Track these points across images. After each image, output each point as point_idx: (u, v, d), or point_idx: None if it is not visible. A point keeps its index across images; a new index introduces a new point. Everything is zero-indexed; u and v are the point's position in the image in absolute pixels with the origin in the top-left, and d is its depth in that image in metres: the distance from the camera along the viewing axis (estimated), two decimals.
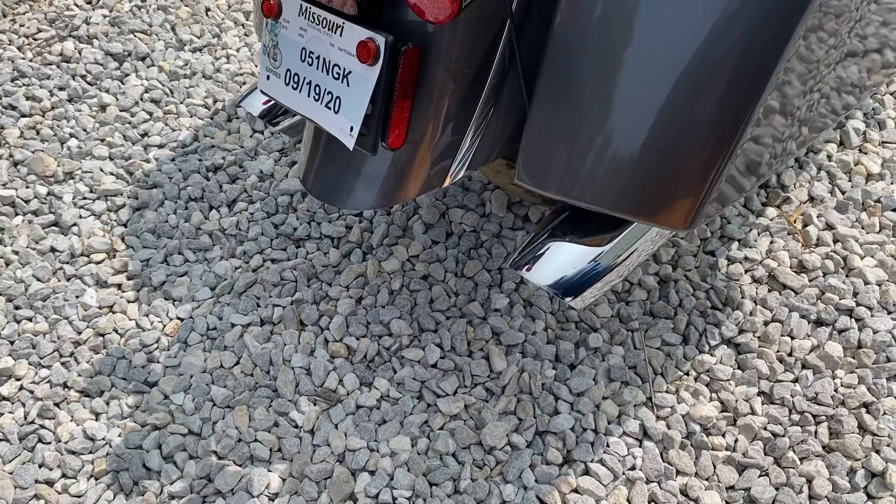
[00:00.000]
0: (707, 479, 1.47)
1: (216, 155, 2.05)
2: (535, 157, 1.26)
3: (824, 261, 1.73)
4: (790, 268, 1.74)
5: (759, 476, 1.47)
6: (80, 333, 1.71)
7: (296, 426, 1.55)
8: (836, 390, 1.56)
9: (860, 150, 1.97)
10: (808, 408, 1.53)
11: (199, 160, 2.04)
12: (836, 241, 1.78)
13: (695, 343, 1.64)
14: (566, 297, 1.30)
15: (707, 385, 1.59)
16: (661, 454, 1.50)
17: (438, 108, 1.20)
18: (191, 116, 2.17)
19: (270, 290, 1.76)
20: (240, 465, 1.50)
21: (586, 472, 1.48)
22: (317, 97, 1.22)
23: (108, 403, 1.60)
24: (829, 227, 1.81)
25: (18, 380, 1.63)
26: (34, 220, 1.91)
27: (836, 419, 1.51)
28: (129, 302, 1.76)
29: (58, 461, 1.52)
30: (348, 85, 1.18)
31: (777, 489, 1.45)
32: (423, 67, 1.15)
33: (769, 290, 1.71)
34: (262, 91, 1.33)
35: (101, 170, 2.02)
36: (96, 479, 1.50)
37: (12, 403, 1.60)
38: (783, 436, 1.50)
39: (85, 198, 1.96)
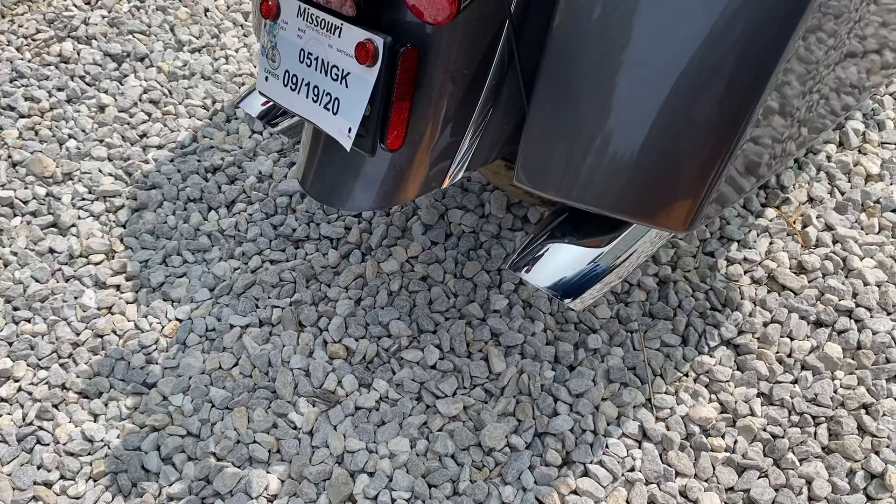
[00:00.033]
0: (706, 481, 1.47)
1: (215, 156, 2.05)
2: (534, 158, 1.25)
3: (823, 262, 1.73)
4: (789, 269, 1.74)
5: (759, 477, 1.46)
6: (78, 335, 1.70)
7: (295, 427, 1.55)
8: (835, 391, 1.55)
9: (859, 151, 1.97)
10: (807, 409, 1.53)
11: (198, 161, 2.04)
12: (835, 242, 1.78)
13: (694, 344, 1.63)
14: (565, 298, 1.30)
15: (706, 386, 1.59)
16: (661, 455, 1.50)
17: (437, 109, 1.20)
18: (189, 117, 2.16)
19: (269, 291, 1.76)
20: (238, 467, 1.50)
21: (585, 473, 1.48)
22: (315, 98, 1.22)
23: (106, 405, 1.60)
24: (829, 227, 1.81)
25: (17, 381, 1.63)
26: (33, 221, 1.91)
27: (835, 420, 1.51)
28: (127, 303, 1.76)
29: (56, 463, 1.51)
30: (347, 86, 1.17)
31: (776, 490, 1.45)
32: (421, 68, 1.15)
33: (768, 291, 1.71)
34: (260, 92, 1.33)
35: (100, 171, 2.02)
36: (95, 481, 1.50)
37: (10, 405, 1.60)
38: (782, 437, 1.50)
39: (84, 199, 1.96)
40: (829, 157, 1.95)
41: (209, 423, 1.55)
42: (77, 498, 1.48)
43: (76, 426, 1.56)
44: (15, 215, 1.93)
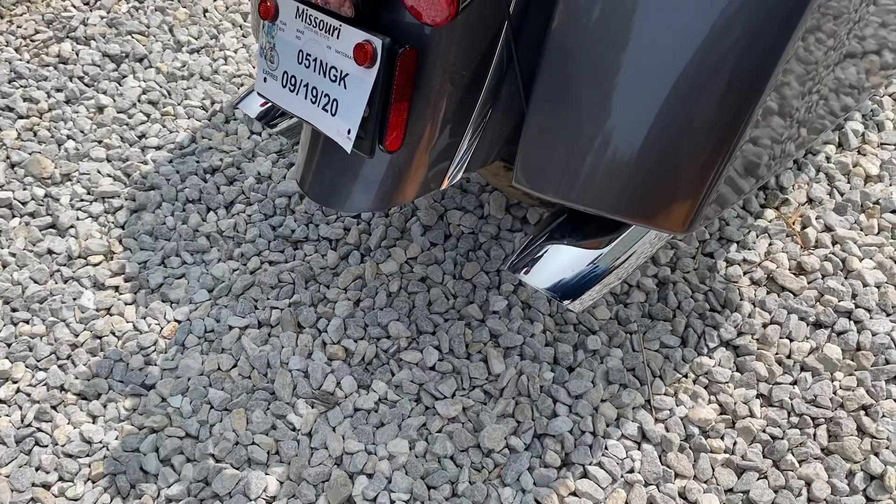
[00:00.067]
0: (706, 482, 1.47)
1: (214, 157, 2.05)
2: (533, 159, 1.25)
3: (823, 263, 1.73)
4: (789, 270, 1.74)
5: (758, 479, 1.46)
6: (77, 336, 1.70)
7: (293, 429, 1.55)
8: (834, 392, 1.55)
9: (859, 152, 1.97)
10: (806, 410, 1.53)
11: (197, 162, 2.04)
12: (834, 243, 1.78)
13: (693, 345, 1.63)
14: (564, 300, 1.30)
15: (706, 387, 1.58)
16: (660, 457, 1.50)
17: (436, 110, 1.19)
18: (188, 118, 2.16)
19: (268, 293, 1.76)
20: (237, 469, 1.49)
21: (585, 474, 1.48)
22: (314, 100, 1.22)
23: (105, 406, 1.59)
24: (828, 228, 1.81)
25: (15, 382, 1.63)
26: (31, 222, 1.91)
27: (834, 421, 1.51)
28: (126, 304, 1.76)
29: (55, 464, 1.51)
30: (345, 87, 1.17)
31: (776, 492, 1.44)
32: (420, 70, 1.15)
33: (768, 292, 1.71)
34: (259, 93, 1.33)
35: (99, 171, 2.01)
36: (93, 483, 1.50)
37: (9, 406, 1.60)
38: (782, 438, 1.50)
39: (82, 200, 1.96)
40: (828, 158, 1.95)
41: (208, 425, 1.55)
42: (76, 500, 1.47)
43: (75, 428, 1.56)
44: (13, 216, 1.93)
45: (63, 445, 1.53)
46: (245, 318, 1.71)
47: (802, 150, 1.46)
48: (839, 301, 1.66)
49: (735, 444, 1.50)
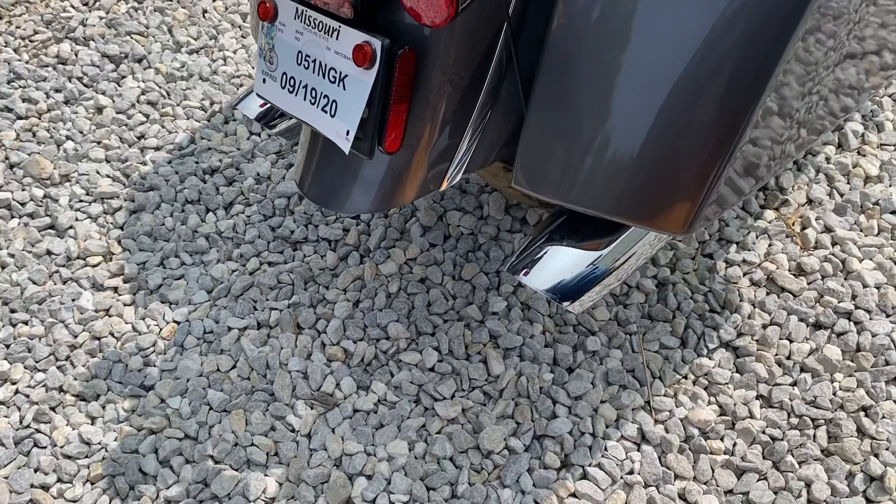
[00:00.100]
0: (705, 484, 1.47)
1: (213, 157, 2.05)
2: (533, 160, 1.25)
3: (823, 264, 1.73)
4: (788, 270, 1.73)
5: (758, 480, 1.46)
6: (76, 337, 1.70)
7: (293, 430, 1.55)
8: (834, 394, 1.55)
9: (858, 153, 1.96)
10: (806, 411, 1.52)
11: (196, 163, 2.04)
12: (834, 244, 1.78)
13: (693, 346, 1.63)
14: (564, 301, 1.30)
15: (705, 388, 1.58)
16: (660, 458, 1.49)
17: (435, 111, 1.19)
18: (187, 119, 2.16)
19: (267, 294, 1.75)
20: (236, 470, 1.49)
21: (584, 476, 1.47)
22: (313, 101, 1.22)
23: (104, 407, 1.59)
24: (828, 229, 1.81)
25: (14, 383, 1.63)
26: (30, 223, 1.91)
27: (834, 423, 1.51)
28: (125, 305, 1.76)
29: (53, 466, 1.51)
30: (344, 88, 1.17)
31: (776, 493, 1.44)
32: (419, 71, 1.15)
33: (767, 293, 1.71)
34: (258, 94, 1.32)
35: (98, 172, 2.01)
36: (92, 484, 1.49)
37: (7, 407, 1.59)
38: (782, 439, 1.50)
39: (81, 200, 1.96)
40: (828, 159, 1.94)
41: (207, 426, 1.55)
42: (74, 501, 1.47)
43: (73, 429, 1.56)
44: (12, 217, 1.92)
45: (62, 447, 1.53)
46: (244, 319, 1.71)
47: (802, 151, 1.46)
48: (839, 302, 1.66)
49: (735, 445, 1.50)
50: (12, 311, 1.74)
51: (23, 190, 1.97)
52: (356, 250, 1.82)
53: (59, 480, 1.50)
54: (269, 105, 1.62)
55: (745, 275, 1.74)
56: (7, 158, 2.04)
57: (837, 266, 1.72)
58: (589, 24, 1.16)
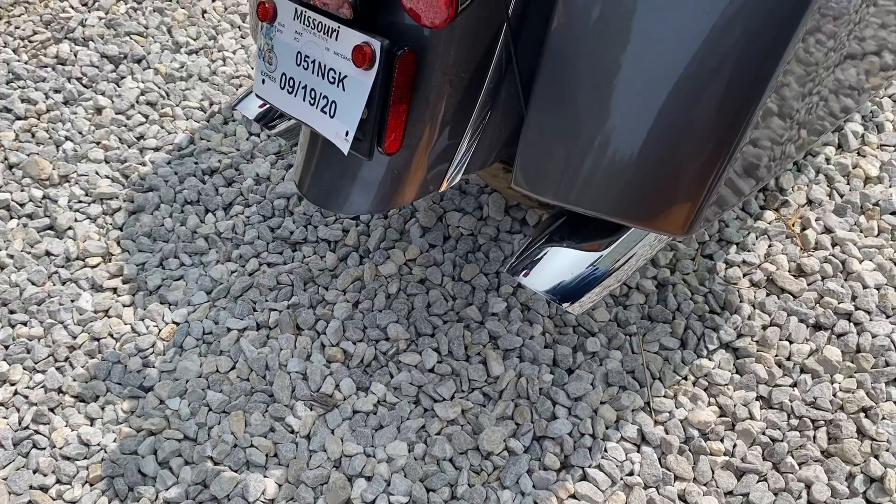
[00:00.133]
0: (705, 485, 1.46)
1: (212, 158, 2.04)
2: (533, 161, 1.25)
3: (823, 264, 1.73)
4: (788, 271, 1.73)
5: (758, 481, 1.46)
6: (75, 338, 1.70)
7: (292, 431, 1.54)
8: (834, 395, 1.55)
9: (858, 153, 1.96)
10: (806, 412, 1.52)
11: (195, 163, 2.03)
12: (834, 245, 1.78)
13: (693, 347, 1.63)
14: (564, 303, 1.30)
15: (705, 390, 1.58)
16: (660, 459, 1.49)
17: (435, 112, 1.19)
18: (187, 119, 2.16)
19: (266, 295, 1.75)
20: (236, 471, 1.49)
21: (584, 477, 1.47)
22: (312, 101, 1.22)
23: (103, 408, 1.59)
24: (828, 230, 1.80)
25: (13, 385, 1.62)
26: (29, 224, 1.90)
27: (834, 424, 1.50)
28: (124, 306, 1.75)
29: (52, 467, 1.51)
30: (344, 89, 1.17)
31: (776, 494, 1.44)
32: (419, 72, 1.15)
33: (767, 294, 1.70)
34: (257, 95, 1.32)
35: (97, 173, 2.01)
36: (91, 485, 1.49)
37: (6, 408, 1.59)
38: (782, 441, 1.50)
39: (80, 201, 1.95)
40: (827, 160, 1.94)
41: (206, 427, 1.55)
42: (73, 502, 1.47)
43: (72, 430, 1.56)
44: (11, 218, 1.92)
45: (61, 448, 1.53)
46: (243, 320, 1.70)
47: (802, 152, 1.46)
48: (839, 303, 1.66)
49: (735, 446, 1.50)
50: (11, 312, 1.74)
51: (22, 191, 1.97)
52: (356, 251, 1.82)
53: (58, 482, 1.50)
54: (268, 106, 1.61)
55: (744, 276, 1.73)
56: (6, 159, 2.04)
57: (837, 267, 1.72)
58: (589, 24, 1.16)
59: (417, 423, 1.53)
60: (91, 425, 1.57)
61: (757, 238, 1.80)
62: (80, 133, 2.10)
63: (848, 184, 1.89)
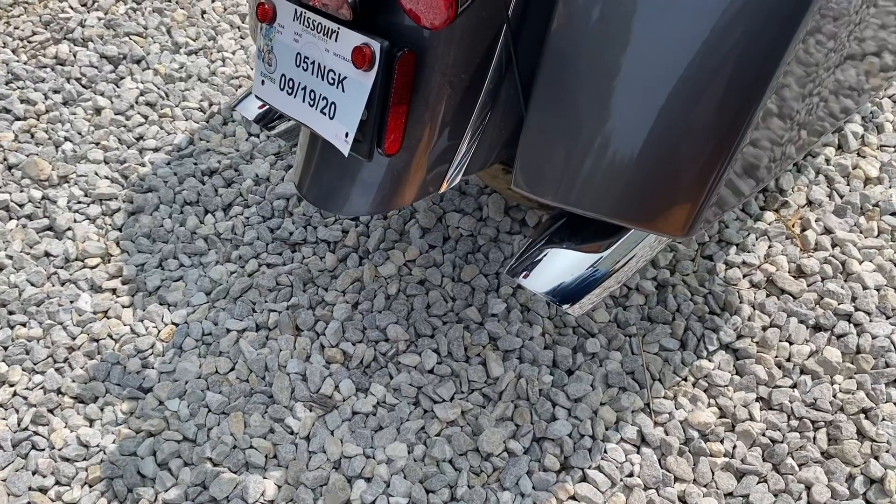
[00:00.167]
0: (705, 486, 1.46)
1: (212, 159, 2.04)
2: (532, 163, 1.25)
3: (823, 265, 1.72)
4: (788, 272, 1.73)
5: (758, 483, 1.46)
6: (74, 339, 1.70)
7: (291, 433, 1.54)
8: (834, 396, 1.55)
9: (858, 154, 1.96)
10: (806, 413, 1.52)
11: (195, 164, 2.03)
12: (834, 246, 1.78)
13: (693, 348, 1.63)
14: (563, 304, 1.30)
15: (705, 391, 1.58)
16: (660, 460, 1.49)
17: (435, 113, 1.19)
18: (186, 120, 2.15)
19: (266, 295, 1.75)
20: (235, 472, 1.49)
21: (584, 478, 1.47)
22: (312, 103, 1.21)
23: (102, 410, 1.59)
24: (828, 231, 1.80)
25: (12, 386, 1.62)
26: (28, 225, 1.90)
27: (834, 425, 1.50)
28: (123, 307, 1.75)
29: (51, 468, 1.50)
30: (343, 90, 1.17)
31: (776, 496, 1.44)
32: (418, 73, 1.15)
33: (767, 295, 1.70)
34: (256, 96, 1.32)
35: (96, 173, 2.01)
36: (90, 487, 1.49)
37: (5, 410, 1.59)
38: (782, 442, 1.50)
39: (79, 202, 1.95)
40: (827, 160, 1.94)
41: (205, 428, 1.54)
42: None
43: (72, 431, 1.55)
44: (10, 218, 1.92)
45: (60, 449, 1.53)
46: (243, 321, 1.70)
47: (803, 153, 1.46)
48: (839, 304, 1.66)
49: (735, 447, 1.50)
50: (10, 312, 1.74)
51: (21, 191, 1.96)
52: (355, 252, 1.81)
53: (58, 483, 1.50)
54: (267, 106, 1.61)
55: (744, 276, 1.73)
56: (5, 160, 2.03)
57: (837, 268, 1.72)
58: (589, 25, 1.15)
59: (417, 424, 1.53)
60: (90, 426, 1.57)
61: (757, 239, 1.80)
62: (80, 134, 2.10)
63: (848, 185, 1.89)
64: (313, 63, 1.20)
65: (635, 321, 1.67)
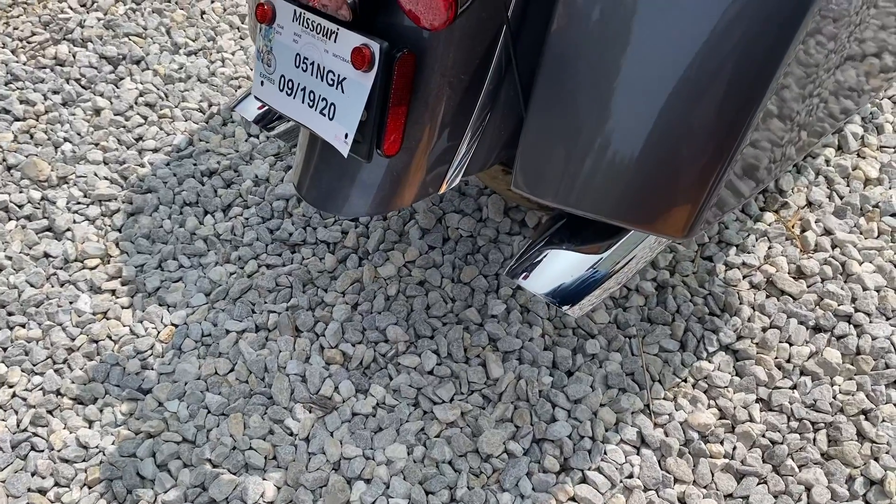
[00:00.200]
0: (705, 487, 1.46)
1: (211, 159, 2.04)
2: (532, 164, 1.25)
3: (822, 266, 1.72)
4: (788, 273, 1.73)
5: (758, 484, 1.46)
6: (73, 340, 1.69)
7: (291, 434, 1.54)
8: (834, 397, 1.55)
9: (858, 155, 1.96)
10: (806, 415, 1.52)
11: (194, 164, 2.03)
12: (834, 247, 1.77)
13: (693, 349, 1.63)
14: (563, 305, 1.29)
15: (705, 392, 1.58)
16: (659, 462, 1.49)
17: (434, 114, 1.19)
18: (186, 120, 2.15)
19: (265, 296, 1.75)
20: (234, 474, 1.49)
21: (584, 480, 1.47)
22: (311, 104, 1.21)
23: (101, 411, 1.59)
24: (828, 232, 1.80)
25: (11, 387, 1.62)
26: (27, 226, 1.90)
27: (834, 426, 1.50)
28: (123, 308, 1.75)
29: (50, 469, 1.50)
30: (343, 91, 1.17)
31: (776, 497, 1.44)
32: (418, 74, 1.14)
33: (767, 296, 1.70)
34: (256, 97, 1.32)
35: (96, 174, 2.00)
36: (89, 488, 1.49)
37: (5, 411, 1.59)
38: (781, 443, 1.49)
39: (79, 202, 1.95)
40: (827, 161, 1.94)
41: (205, 430, 1.54)
42: None
43: (71, 432, 1.55)
44: (10, 219, 1.92)
45: (59, 450, 1.52)
46: (242, 322, 1.70)
47: (803, 154, 1.46)
48: (839, 305, 1.66)
49: (734, 448, 1.49)
50: (9, 313, 1.73)
51: (20, 192, 1.96)
52: (355, 253, 1.81)
53: (57, 484, 1.49)
54: (267, 107, 1.61)
55: (744, 278, 1.73)
56: (4, 160, 2.03)
57: (837, 269, 1.72)
58: (588, 26, 1.15)
59: (417, 425, 1.53)
60: (89, 428, 1.57)
61: (757, 240, 1.79)
62: (79, 134, 2.10)
63: (848, 185, 1.89)
64: (312, 64, 1.20)
65: (635, 322, 1.67)
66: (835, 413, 1.53)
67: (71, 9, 2.46)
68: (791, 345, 1.62)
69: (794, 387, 1.57)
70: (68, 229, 1.89)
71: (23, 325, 1.72)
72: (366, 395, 1.58)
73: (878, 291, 1.68)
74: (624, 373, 1.60)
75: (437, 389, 1.57)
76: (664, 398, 1.57)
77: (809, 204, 1.86)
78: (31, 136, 2.10)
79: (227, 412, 1.56)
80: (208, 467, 1.49)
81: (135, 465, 1.50)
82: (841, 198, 1.87)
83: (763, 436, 1.50)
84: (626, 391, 1.57)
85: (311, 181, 1.31)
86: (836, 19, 1.20)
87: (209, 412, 1.57)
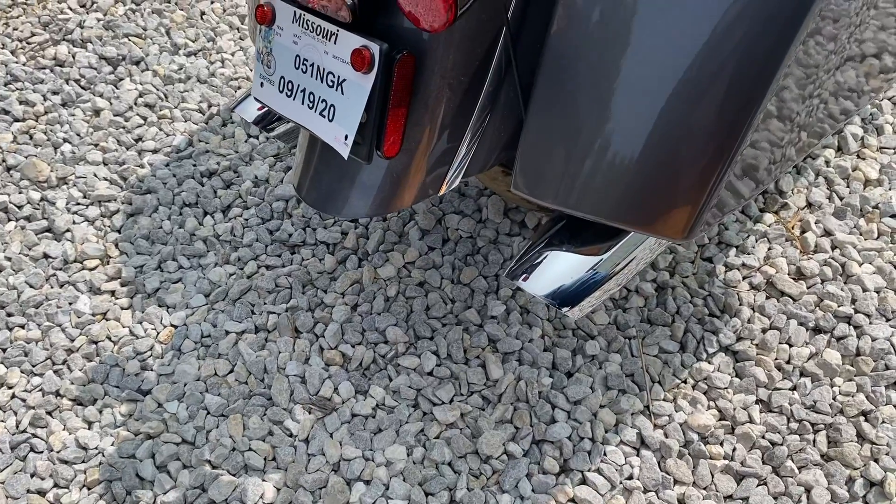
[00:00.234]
0: (705, 489, 1.46)
1: (211, 160, 2.04)
2: (532, 166, 1.25)
3: (822, 267, 1.72)
4: (788, 274, 1.73)
5: (758, 485, 1.46)
6: (72, 341, 1.69)
7: (290, 435, 1.54)
8: (834, 398, 1.55)
9: (858, 156, 1.96)
10: (806, 416, 1.52)
11: (194, 165, 2.03)
12: (834, 248, 1.77)
13: (692, 351, 1.63)
14: (563, 307, 1.29)
15: (705, 393, 1.58)
16: (659, 463, 1.49)
17: (434, 116, 1.19)
18: (185, 121, 2.15)
19: (265, 297, 1.75)
20: (234, 475, 1.49)
21: (583, 481, 1.47)
22: (311, 105, 1.21)
23: (100, 412, 1.58)
24: (828, 233, 1.80)
25: (10, 388, 1.62)
26: (27, 226, 1.90)
27: (834, 427, 1.50)
28: (122, 309, 1.75)
29: (50, 470, 1.50)
30: (343, 93, 1.16)
31: (775, 498, 1.44)
32: (418, 75, 1.14)
33: (767, 297, 1.70)
34: (255, 98, 1.32)
35: (95, 175, 2.00)
36: (89, 489, 1.49)
37: (4, 412, 1.59)
38: (781, 444, 1.49)
39: (78, 203, 1.95)
40: (827, 162, 1.94)
41: (204, 431, 1.54)
42: None
43: (70, 433, 1.55)
44: (9, 220, 1.92)
45: (58, 451, 1.52)
46: (242, 323, 1.70)
47: (803, 155, 1.46)
48: (839, 306, 1.66)
49: (734, 450, 1.49)
50: (9, 314, 1.73)
51: (20, 193, 1.96)
52: (354, 254, 1.81)
53: (56, 485, 1.49)
54: (266, 108, 1.61)
55: (744, 279, 1.73)
56: (4, 161, 2.03)
57: (837, 270, 1.72)
58: (588, 27, 1.15)
59: (416, 426, 1.53)
60: (89, 429, 1.56)
61: (756, 241, 1.79)
62: (79, 135, 2.10)
63: (848, 186, 1.89)
64: (312, 65, 1.20)
65: (635, 323, 1.67)
66: (835, 414, 1.53)
67: (70, 9, 2.45)
68: (791, 346, 1.62)
69: (793, 388, 1.57)
70: (68, 230, 1.89)
71: (22, 326, 1.71)
72: (365, 396, 1.58)
73: (877, 293, 1.68)
74: (624, 374, 1.60)
75: (437, 390, 1.57)
76: (664, 399, 1.57)
77: (809, 205, 1.86)
78: (31, 137, 2.10)
79: (227, 413, 1.56)
80: (208, 468, 1.49)
81: (134, 466, 1.50)
82: (841, 199, 1.87)
83: (763, 437, 1.50)
84: (625, 392, 1.57)
85: (310, 182, 1.31)
86: (837, 20, 1.20)
87: (209, 413, 1.56)
